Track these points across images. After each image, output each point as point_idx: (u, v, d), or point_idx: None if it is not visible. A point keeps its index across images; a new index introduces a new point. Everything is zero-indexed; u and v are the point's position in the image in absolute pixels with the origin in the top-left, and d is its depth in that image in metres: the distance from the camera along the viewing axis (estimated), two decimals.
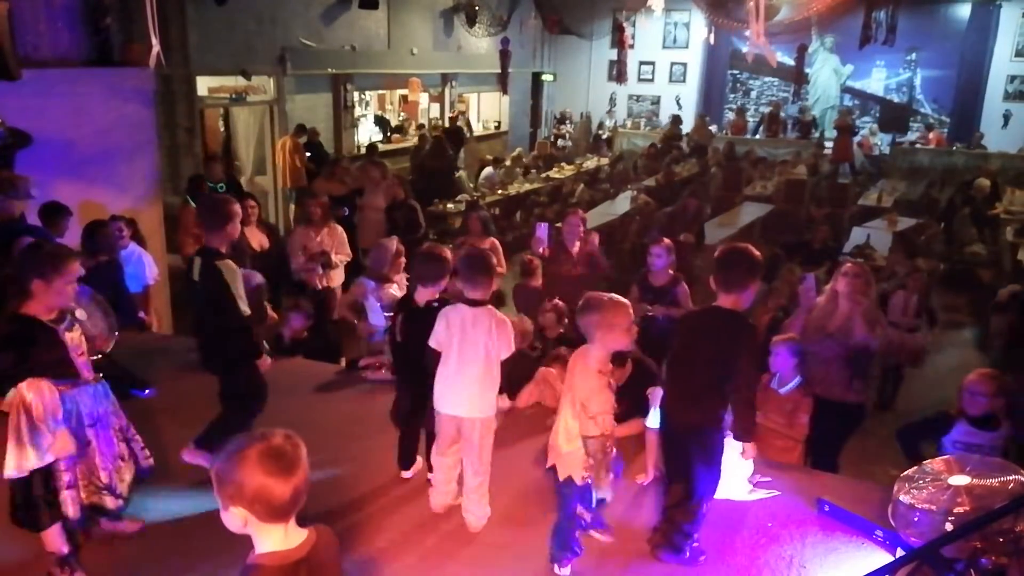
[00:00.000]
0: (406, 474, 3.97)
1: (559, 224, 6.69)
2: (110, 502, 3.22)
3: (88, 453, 3.13)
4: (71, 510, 3.06)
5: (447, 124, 14.80)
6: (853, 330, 4.31)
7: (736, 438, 3.27)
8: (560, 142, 17.54)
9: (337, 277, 6.73)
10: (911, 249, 8.13)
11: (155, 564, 3.33)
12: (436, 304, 3.58)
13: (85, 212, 6.14)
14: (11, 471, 2.97)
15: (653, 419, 3.90)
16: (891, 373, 6.67)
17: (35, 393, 2.95)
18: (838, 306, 4.39)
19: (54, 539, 3.10)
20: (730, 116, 18.78)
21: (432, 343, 3.43)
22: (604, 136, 18.25)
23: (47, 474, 3.01)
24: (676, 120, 17.07)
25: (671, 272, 5.57)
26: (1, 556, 3.32)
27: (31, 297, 2.96)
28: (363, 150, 12.66)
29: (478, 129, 17.28)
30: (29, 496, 3.04)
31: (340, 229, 6.83)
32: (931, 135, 16.48)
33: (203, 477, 3.81)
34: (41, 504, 3.03)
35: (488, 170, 12.84)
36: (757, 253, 3.25)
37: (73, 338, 3.09)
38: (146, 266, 6.05)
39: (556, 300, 5.52)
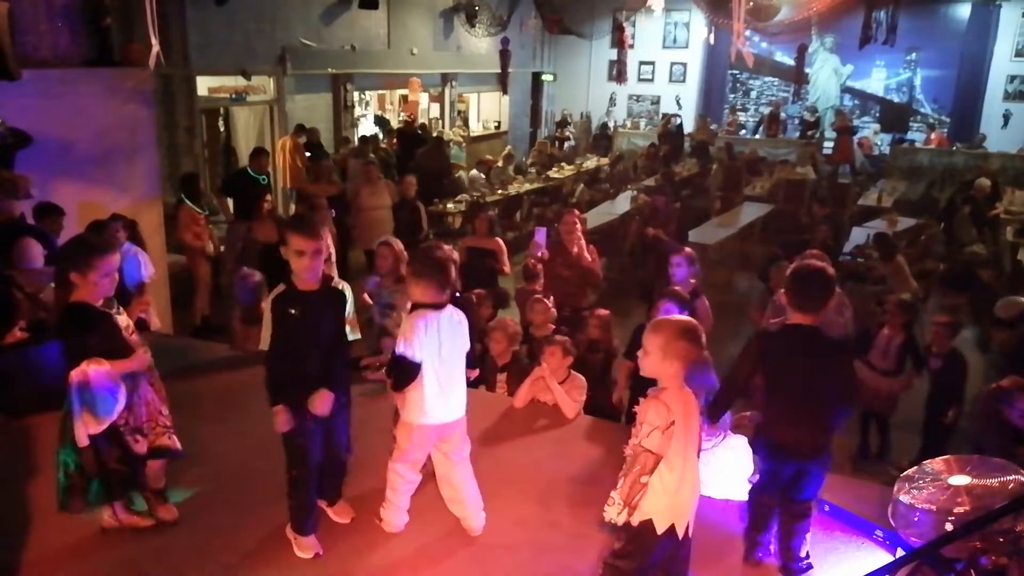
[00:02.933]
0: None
1: (557, 224, 6.70)
2: (171, 442, 3.41)
3: (147, 396, 3.37)
4: (140, 448, 3.31)
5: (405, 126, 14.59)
6: (826, 320, 4.33)
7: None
8: (566, 144, 17.54)
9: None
10: (888, 249, 7.95)
11: (154, 562, 3.34)
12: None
13: (85, 212, 6.14)
14: (82, 441, 3.17)
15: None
16: (873, 420, 5.91)
17: (95, 369, 3.14)
18: None
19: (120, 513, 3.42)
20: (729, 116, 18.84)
21: (413, 355, 3.14)
22: (610, 132, 18.24)
23: (111, 433, 3.22)
24: (666, 118, 17.03)
25: (692, 282, 5.31)
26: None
27: (74, 288, 3.15)
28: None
29: (478, 129, 17.30)
30: (103, 465, 3.25)
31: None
32: (933, 135, 16.49)
33: (202, 481, 3.83)
34: (115, 468, 3.27)
35: (472, 172, 12.83)
36: (831, 271, 3.19)
37: (122, 320, 3.30)
38: (141, 264, 6.05)
39: (547, 299, 5.52)
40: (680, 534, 2.70)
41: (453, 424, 3.34)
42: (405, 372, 3.16)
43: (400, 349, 3.14)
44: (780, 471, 3.20)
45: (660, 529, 2.65)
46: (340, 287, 3.36)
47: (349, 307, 3.39)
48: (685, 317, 2.74)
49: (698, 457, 2.73)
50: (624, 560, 2.72)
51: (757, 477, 3.53)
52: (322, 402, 3.20)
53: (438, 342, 3.19)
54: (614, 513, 2.60)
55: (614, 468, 4.13)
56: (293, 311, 3.16)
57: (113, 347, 3.21)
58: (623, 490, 2.58)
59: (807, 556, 3.27)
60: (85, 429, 3.18)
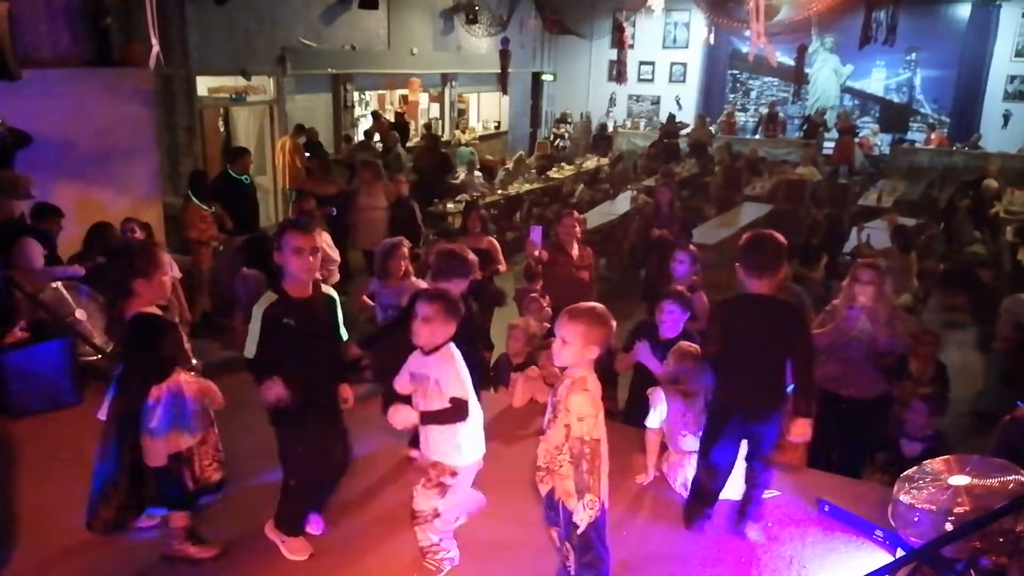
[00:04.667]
0: (415, 453, 3.77)
1: (557, 225, 6.65)
2: (219, 476, 3.36)
3: (212, 431, 3.33)
4: (190, 484, 3.25)
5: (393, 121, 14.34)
6: (875, 334, 4.30)
7: (797, 414, 3.33)
8: (559, 142, 17.52)
9: (332, 277, 6.78)
10: (907, 242, 7.91)
11: (153, 562, 3.34)
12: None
13: (85, 212, 6.14)
14: (161, 460, 3.12)
15: (653, 420, 3.90)
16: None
17: (187, 381, 3.16)
18: (854, 311, 4.34)
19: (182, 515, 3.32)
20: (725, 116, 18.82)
21: (467, 392, 3.02)
22: (608, 133, 18.24)
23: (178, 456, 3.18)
24: (671, 117, 17.06)
25: (693, 279, 5.36)
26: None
27: (136, 296, 3.08)
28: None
29: (478, 129, 17.29)
30: (176, 477, 3.17)
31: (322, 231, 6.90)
32: (933, 135, 16.47)
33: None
34: (183, 480, 3.20)
35: (462, 175, 12.78)
36: (781, 237, 3.30)
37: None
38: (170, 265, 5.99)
39: (543, 299, 5.53)
40: (606, 505, 2.82)
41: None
42: (464, 411, 3.03)
43: (457, 392, 2.98)
44: (730, 433, 3.38)
45: (606, 505, 2.79)
46: (331, 293, 3.30)
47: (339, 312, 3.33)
48: (596, 304, 2.81)
49: None
50: (591, 554, 2.78)
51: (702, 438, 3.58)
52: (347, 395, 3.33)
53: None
54: (589, 513, 2.66)
55: (614, 468, 4.13)
56: (287, 321, 3.07)
57: (180, 357, 3.19)
58: (590, 487, 2.66)
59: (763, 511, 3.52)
60: (171, 446, 3.12)
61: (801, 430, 3.35)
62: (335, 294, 3.35)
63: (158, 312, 3.13)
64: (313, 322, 3.15)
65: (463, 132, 16.05)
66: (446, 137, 15.56)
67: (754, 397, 3.32)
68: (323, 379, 3.24)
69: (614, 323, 2.77)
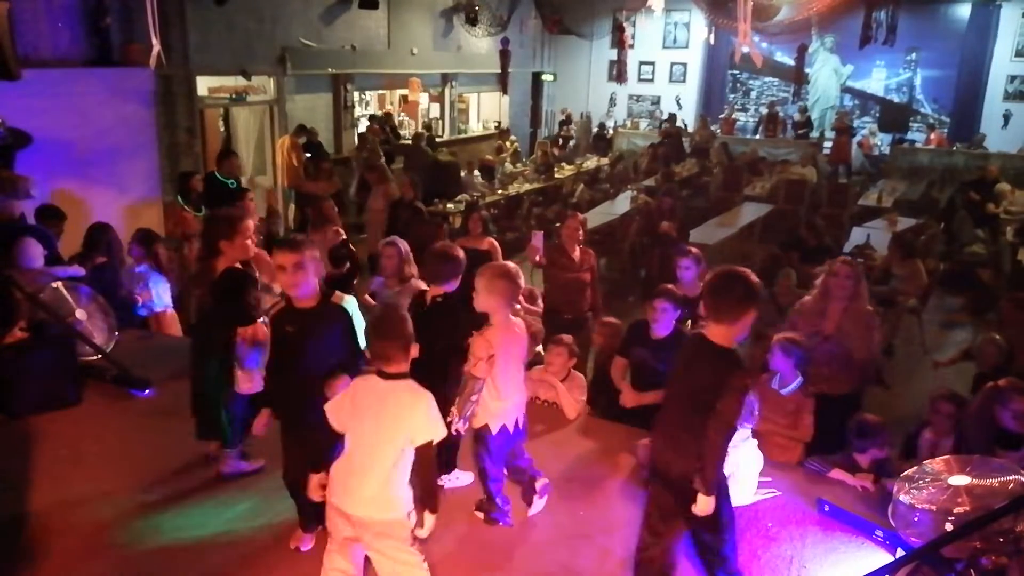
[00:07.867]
0: (444, 479, 3.83)
1: (558, 224, 6.65)
2: None
3: None
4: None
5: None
6: (850, 334, 4.31)
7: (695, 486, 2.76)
8: (570, 143, 17.46)
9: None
10: (909, 249, 7.94)
11: (153, 561, 3.34)
12: (440, 300, 3.56)
13: (85, 212, 6.15)
14: (253, 389, 3.74)
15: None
16: None
17: (263, 330, 3.67)
18: (829, 306, 4.39)
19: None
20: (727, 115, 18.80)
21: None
22: (608, 135, 18.22)
23: None
24: (672, 117, 17.07)
25: (701, 284, 5.24)
26: None
27: (222, 254, 3.66)
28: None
29: (478, 129, 17.29)
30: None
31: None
32: (932, 135, 16.46)
33: (203, 481, 3.82)
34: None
35: (462, 174, 12.75)
36: (755, 280, 2.76)
37: None
38: (155, 293, 5.75)
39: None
40: (510, 429, 3.44)
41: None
42: None
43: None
44: (658, 492, 2.97)
45: (494, 430, 3.40)
46: (341, 303, 3.18)
47: (359, 322, 3.16)
48: (507, 263, 3.38)
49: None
50: (478, 457, 3.50)
51: None
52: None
53: None
54: (457, 423, 3.30)
55: (614, 468, 4.14)
56: (289, 328, 3.13)
57: (257, 304, 3.76)
58: (459, 407, 3.31)
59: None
60: (255, 382, 3.69)
61: (703, 505, 2.76)
62: (350, 306, 3.19)
63: (242, 268, 3.68)
64: (310, 333, 3.11)
65: (509, 148, 15.08)
66: (447, 136, 15.56)
67: (669, 456, 2.86)
68: (316, 388, 3.02)
69: (520, 280, 3.31)
